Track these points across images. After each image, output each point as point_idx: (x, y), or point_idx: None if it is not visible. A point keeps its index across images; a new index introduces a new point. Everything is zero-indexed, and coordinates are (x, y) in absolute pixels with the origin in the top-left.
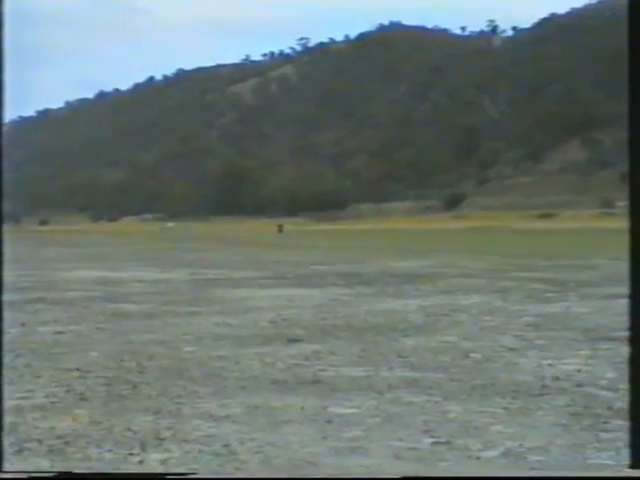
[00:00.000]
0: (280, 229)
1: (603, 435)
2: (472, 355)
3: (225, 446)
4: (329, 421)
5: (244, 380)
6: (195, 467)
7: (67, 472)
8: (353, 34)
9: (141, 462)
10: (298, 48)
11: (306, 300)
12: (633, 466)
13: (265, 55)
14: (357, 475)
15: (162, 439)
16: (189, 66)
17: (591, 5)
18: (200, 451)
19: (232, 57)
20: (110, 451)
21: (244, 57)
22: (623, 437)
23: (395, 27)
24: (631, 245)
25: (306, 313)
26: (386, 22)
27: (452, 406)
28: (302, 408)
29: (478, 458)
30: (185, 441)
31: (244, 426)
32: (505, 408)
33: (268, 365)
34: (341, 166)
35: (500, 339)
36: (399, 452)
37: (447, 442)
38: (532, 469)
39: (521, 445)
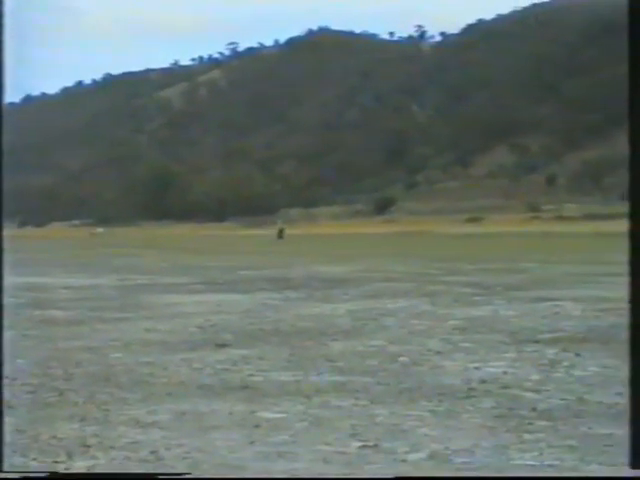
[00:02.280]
0: (280, 234)
1: (527, 436)
2: (399, 359)
3: (152, 452)
4: (257, 426)
5: (172, 386)
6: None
7: (62, 472)
8: (282, 39)
9: (67, 470)
10: (227, 53)
11: (234, 305)
12: (633, 466)
13: (194, 60)
14: (357, 475)
15: (88, 446)
16: (117, 70)
17: (517, 12)
18: (127, 458)
19: (161, 62)
20: (35, 459)
21: (173, 62)
22: (546, 438)
23: (324, 32)
24: (631, 245)
25: (234, 318)
26: (315, 27)
27: (379, 410)
28: (230, 413)
29: (404, 461)
30: (112, 448)
31: (171, 432)
32: (432, 411)
33: (196, 371)
34: (270, 171)
35: (427, 343)
36: (327, 456)
37: (374, 445)
38: (457, 470)
39: (447, 447)
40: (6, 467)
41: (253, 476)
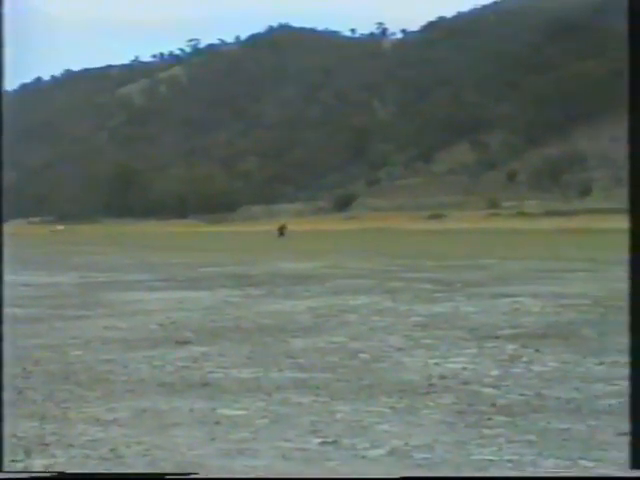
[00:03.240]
0: (281, 232)
1: (486, 431)
2: (360, 355)
3: (112, 450)
4: (217, 423)
5: (132, 383)
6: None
7: (68, 472)
8: (243, 36)
9: (26, 468)
10: (188, 49)
11: (196, 302)
12: (633, 466)
13: (155, 56)
14: (358, 475)
15: (47, 444)
16: (77, 67)
17: (477, 9)
18: (86, 456)
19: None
20: None
21: (133, 58)
22: (505, 433)
23: (285, 29)
24: (631, 245)
25: (195, 315)
26: (276, 24)
27: (340, 406)
28: (190, 410)
29: (364, 457)
30: (71, 446)
31: (131, 430)
32: (392, 407)
33: (156, 368)
34: (231, 168)
35: (388, 339)
36: (287, 453)
37: (334, 442)
38: (418, 466)
39: (407, 443)
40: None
41: (257, 476)
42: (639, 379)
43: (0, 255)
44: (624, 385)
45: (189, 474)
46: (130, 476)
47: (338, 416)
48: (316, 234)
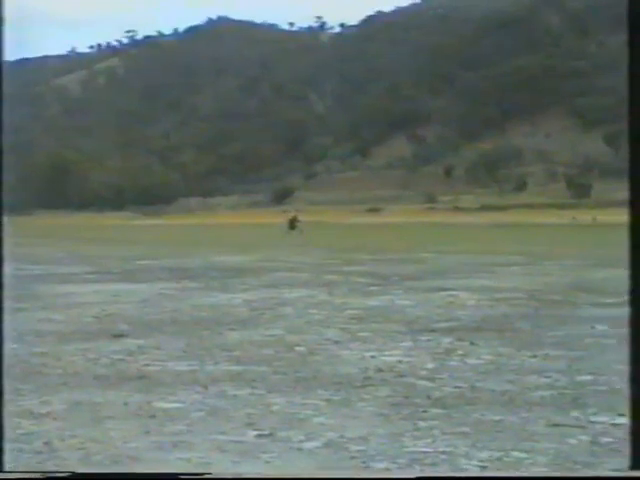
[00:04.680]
0: (292, 225)
1: (421, 424)
2: (296, 348)
3: (46, 444)
4: (153, 416)
5: (66, 376)
6: (13, 466)
7: (84, 472)
8: (182, 28)
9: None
10: (125, 41)
11: (131, 295)
12: (633, 466)
13: (92, 47)
14: (362, 475)
15: None
16: (12, 57)
17: (415, 4)
18: (20, 450)
19: (58, 49)
20: None
21: (70, 49)
22: (439, 425)
23: (223, 21)
24: (631, 244)
25: (131, 308)
26: (215, 16)
27: (276, 399)
28: (125, 404)
29: (300, 449)
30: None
31: (66, 423)
32: (327, 400)
33: (91, 361)
34: (168, 160)
35: (324, 332)
36: (222, 445)
37: (270, 434)
38: (353, 458)
39: (342, 436)
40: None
41: (268, 476)
42: (639, 379)
43: (0, 253)
44: (556, 377)
45: (202, 474)
46: (143, 476)
47: (274, 409)
48: (252, 227)
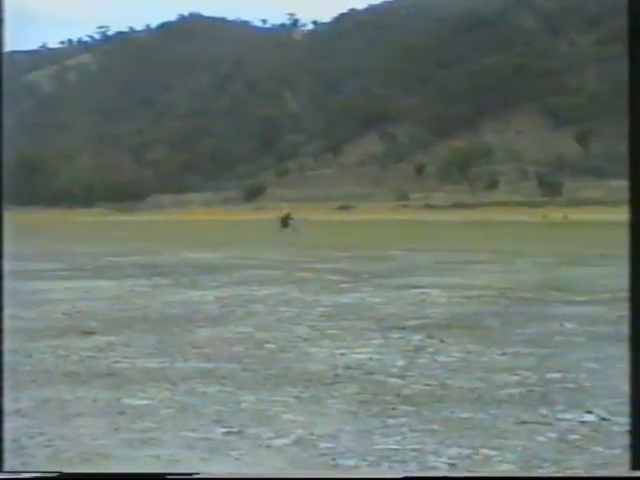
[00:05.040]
0: (285, 222)
1: (390, 421)
2: (266, 345)
3: (14, 441)
4: (122, 413)
5: (36, 373)
6: None
7: (73, 472)
8: (154, 24)
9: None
10: (97, 37)
11: (102, 292)
12: (633, 466)
13: (63, 43)
14: (358, 475)
15: None
16: None
17: (388, 2)
18: None
19: (28, 44)
20: None
21: (41, 44)
22: (409, 423)
23: (196, 18)
24: (631, 245)
25: (101, 305)
26: (187, 13)
27: (245, 396)
28: (95, 400)
29: (269, 447)
30: None
31: (34, 420)
32: (297, 397)
33: (61, 358)
34: (141, 157)
35: (295, 329)
36: (191, 442)
37: (239, 432)
38: (322, 455)
39: (311, 433)
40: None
41: (258, 476)
42: (639, 379)
43: (0, 252)
44: (525, 375)
45: (190, 474)
46: (131, 476)
47: (243, 406)
48: (225, 224)
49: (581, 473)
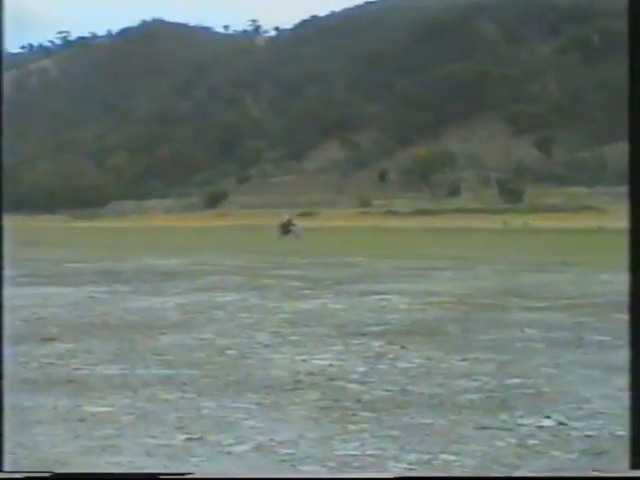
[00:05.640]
0: (286, 229)
1: (351, 427)
2: (228, 352)
3: None
4: (82, 420)
5: None
6: None
7: (64, 472)
8: (115, 29)
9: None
10: (58, 42)
11: (62, 298)
12: (633, 466)
13: (24, 48)
14: (358, 475)
15: None
16: None
17: (349, 10)
18: None
19: None
20: None
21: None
22: (369, 429)
23: (158, 23)
24: (631, 244)
25: (62, 311)
26: (149, 18)
27: (206, 402)
28: (54, 407)
29: (229, 453)
30: None
31: None
32: (258, 403)
33: (20, 365)
34: (101, 162)
35: (256, 336)
36: (151, 449)
37: (200, 438)
38: (282, 462)
39: (272, 439)
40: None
41: (253, 476)
42: (639, 379)
43: (0, 252)
44: (485, 380)
45: (184, 474)
46: (124, 476)
47: (204, 412)
48: (187, 231)
49: (581, 473)
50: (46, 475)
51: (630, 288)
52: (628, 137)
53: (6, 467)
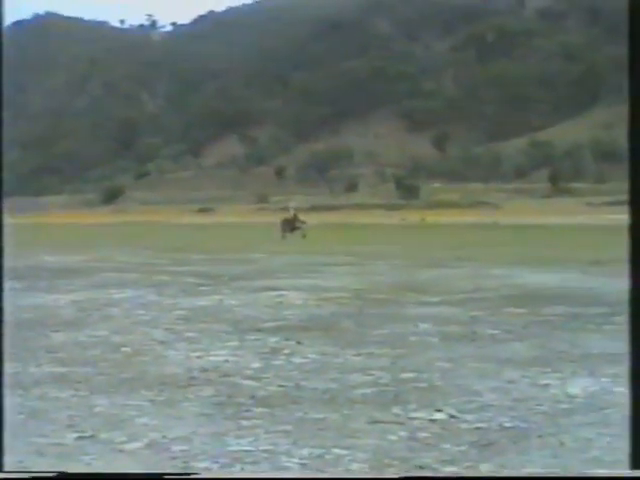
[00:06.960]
0: (292, 226)
1: (244, 423)
2: (122, 349)
3: None
4: None
5: None
6: None
7: (70, 472)
8: (7, 22)
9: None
10: None
11: None
12: (633, 466)
13: None
14: (357, 475)
15: None
16: None
17: (247, 5)
18: None
19: None
20: None
21: None
22: (263, 424)
23: (51, 17)
24: (631, 244)
25: None
26: (42, 11)
27: (99, 400)
28: None
29: (121, 451)
30: None
31: None
32: (151, 400)
33: None
34: None
35: (151, 332)
36: (42, 448)
37: (92, 436)
38: (174, 458)
39: (165, 436)
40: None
41: (258, 475)
42: (639, 379)
43: (0, 251)
44: (379, 375)
45: (189, 474)
46: (129, 476)
47: (97, 410)
48: (82, 227)
49: (581, 473)
50: (52, 475)
51: (630, 287)
52: (628, 137)
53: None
